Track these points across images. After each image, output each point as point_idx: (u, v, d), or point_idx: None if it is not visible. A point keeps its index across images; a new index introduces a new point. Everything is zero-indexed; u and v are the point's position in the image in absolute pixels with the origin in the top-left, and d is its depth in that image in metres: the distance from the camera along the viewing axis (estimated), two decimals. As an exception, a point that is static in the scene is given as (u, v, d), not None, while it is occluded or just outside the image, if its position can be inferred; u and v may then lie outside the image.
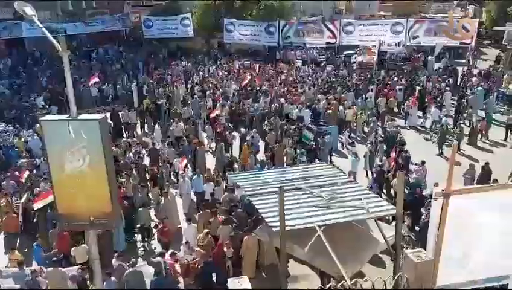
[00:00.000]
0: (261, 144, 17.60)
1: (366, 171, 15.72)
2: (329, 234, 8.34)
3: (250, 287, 8.69)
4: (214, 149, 17.78)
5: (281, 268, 8.38)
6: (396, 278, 7.04)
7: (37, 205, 11.53)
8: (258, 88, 23.71)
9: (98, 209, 6.56)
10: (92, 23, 35.63)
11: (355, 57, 30.54)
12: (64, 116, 6.32)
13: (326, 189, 9.46)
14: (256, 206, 8.93)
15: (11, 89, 24.39)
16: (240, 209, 11.73)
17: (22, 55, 31.98)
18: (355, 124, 19.86)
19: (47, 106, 21.04)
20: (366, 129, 19.42)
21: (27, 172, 14.20)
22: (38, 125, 17.45)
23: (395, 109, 22.31)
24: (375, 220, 8.97)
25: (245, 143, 16.59)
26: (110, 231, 10.73)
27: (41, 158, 14.98)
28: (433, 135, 18.95)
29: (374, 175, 14.60)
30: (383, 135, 17.63)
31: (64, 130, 6.17)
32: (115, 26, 37.74)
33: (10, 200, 12.90)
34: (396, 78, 25.02)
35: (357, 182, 10.58)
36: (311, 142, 16.79)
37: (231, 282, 8.73)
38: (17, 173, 14.44)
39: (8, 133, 17.94)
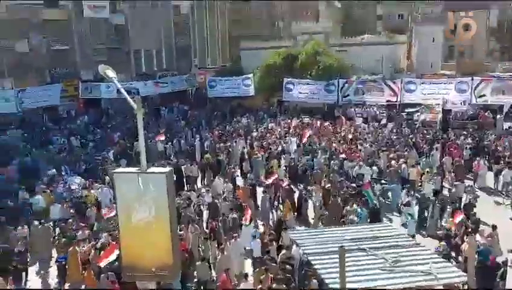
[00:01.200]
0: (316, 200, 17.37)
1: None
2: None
3: None
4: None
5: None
6: None
7: (102, 264, 11.90)
8: (317, 145, 23.75)
9: (160, 260, 6.72)
10: (162, 84, 38.17)
11: (418, 115, 29.94)
12: (134, 169, 6.70)
13: (390, 251, 9.06)
14: (316, 266, 8.70)
15: (86, 144, 26.29)
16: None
17: (98, 113, 34.66)
18: (419, 184, 19.09)
19: (117, 159, 22.39)
20: (431, 188, 18.56)
21: (96, 223, 14.90)
22: (107, 177, 18.60)
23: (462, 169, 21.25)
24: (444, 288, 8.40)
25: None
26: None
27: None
28: (505, 197, 17.76)
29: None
30: (447, 196, 16.80)
31: (133, 182, 6.53)
32: (183, 86, 40.21)
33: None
34: (462, 137, 24.07)
35: (423, 245, 10.02)
36: (374, 202, 16.30)
37: None
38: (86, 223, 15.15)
39: (80, 186, 19.07)
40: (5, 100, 28.70)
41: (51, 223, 15.82)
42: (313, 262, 8.93)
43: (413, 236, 13.64)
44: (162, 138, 24.80)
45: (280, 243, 13.12)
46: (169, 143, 25.55)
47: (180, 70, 43.88)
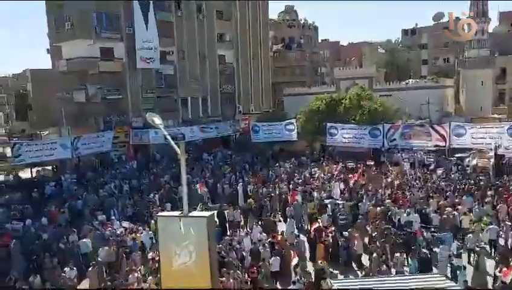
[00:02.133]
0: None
1: None
2: None
3: None
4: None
5: None
6: None
7: None
8: (362, 190, 23.28)
9: (200, 306, 6.70)
10: (207, 129, 39.31)
11: (469, 161, 28.80)
12: (176, 213, 6.88)
13: (440, 304, 8.57)
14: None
15: (135, 188, 27.16)
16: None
17: (146, 158, 35.96)
18: (471, 232, 18.07)
19: (163, 203, 22.90)
20: (486, 238, 17.52)
21: (142, 267, 15.10)
22: (153, 221, 19.02)
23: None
24: None
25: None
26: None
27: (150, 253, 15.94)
28: None
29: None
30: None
31: (175, 225, 6.68)
32: (227, 131, 41.22)
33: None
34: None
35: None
36: (425, 251, 15.55)
37: None
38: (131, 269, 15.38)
39: (127, 230, 19.54)
40: (62, 147, 30.41)
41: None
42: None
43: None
44: (204, 189, 25.07)
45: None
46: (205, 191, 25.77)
47: (224, 116, 45.20)
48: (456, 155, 30.50)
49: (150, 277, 13.99)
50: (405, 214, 19.12)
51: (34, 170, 31.93)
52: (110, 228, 19.68)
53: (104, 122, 37.72)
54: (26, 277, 14.88)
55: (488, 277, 14.39)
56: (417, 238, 16.76)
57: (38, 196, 25.54)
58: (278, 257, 15.50)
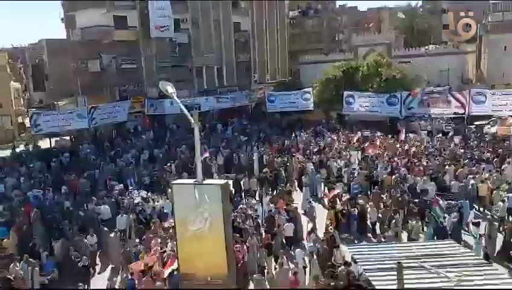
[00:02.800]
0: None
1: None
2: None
3: None
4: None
5: None
6: None
7: (167, 272, 12.33)
8: (377, 160, 23.11)
9: (215, 270, 6.87)
10: (223, 99, 39.19)
11: (489, 128, 28.23)
12: (191, 181, 6.94)
13: (454, 270, 8.57)
14: (373, 283, 8.44)
15: (151, 158, 27.48)
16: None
17: (162, 129, 36.20)
18: (489, 201, 17.90)
19: (179, 173, 23.16)
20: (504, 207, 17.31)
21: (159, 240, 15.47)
22: (170, 190, 19.30)
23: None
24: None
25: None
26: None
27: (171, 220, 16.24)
28: None
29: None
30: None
31: (190, 193, 6.76)
32: (243, 101, 41.00)
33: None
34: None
35: (491, 265, 9.37)
36: (440, 220, 15.48)
37: None
38: (150, 235, 15.73)
39: (144, 199, 19.89)
40: (79, 117, 30.80)
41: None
42: (370, 279, 8.66)
43: (486, 257, 12.83)
44: (206, 155, 24.98)
45: (332, 261, 12.81)
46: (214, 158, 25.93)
47: (240, 85, 44.85)
48: (476, 123, 29.94)
49: (169, 243, 14.36)
50: (421, 182, 18.98)
51: (53, 140, 32.51)
52: (128, 197, 20.10)
53: (120, 93, 37.90)
54: (48, 243, 15.41)
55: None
56: (432, 207, 16.67)
57: (57, 166, 26.07)
58: (291, 224, 15.72)
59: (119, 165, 25.39)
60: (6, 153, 30.91)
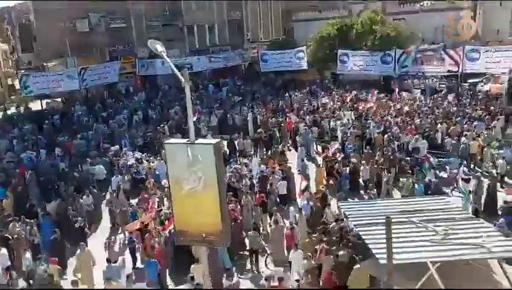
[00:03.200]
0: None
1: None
2: (444, 272, 7.77)
3: None
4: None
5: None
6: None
7: (167, 232, 12.57)
8: (371, 118, 23.19)
9: (209, 227, 7.02)
10: (215, 59, 38.57)
11: (482, 86, 28.24)
12: (184, 140, 6.98)
13: (442, 224, 8.85)
14: (363, 237, 8.70)
15: (144, 119, 27.38)
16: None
17: (154, 90, 35.85)
18: (479, 158, 18.17)
19: (172, 134, 23.17)
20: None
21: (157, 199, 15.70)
22: (163, 151, 19.35)
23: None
24: (499, 262, 8.11)
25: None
26: (216, 250, 11.45)
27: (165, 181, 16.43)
28: None
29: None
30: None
31: (183, 152, 6.81)
32: (235, 61, 40.38)
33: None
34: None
35: (478, 219, 9.66)
36: (430, 178, 15.74)
37: None
38: (146, 195, 15.93)
39: (140, 159, 19.96)
40: (69, 78, 30.37)
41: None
42: (361, 233, 8.93)
43: (476, 213, 13.17)
44: (196, 117, 24.79)
45: (323, 219, 13.11)
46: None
47: (233, 45, 44.06)
48: (469, 81, 29.90)
49: (166, 202, 14.62)
50: (413, 140, 19.19)
51: (44, 102, 32.20)
52: (123, 158, 20.19)
53: (110, 53, 37.21)
54: (44, 204, 15.57)
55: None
56: (423, 164, 16.94)
57: (49, 127, 25.95)
58: (285, 182, 15.98)
59: (111, 127, 25.33)
60: (-4, 116, 30.67)
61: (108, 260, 11.51)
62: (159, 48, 7.32)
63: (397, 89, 29.01)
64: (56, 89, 30.70)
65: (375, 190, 15.46)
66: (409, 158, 18.18)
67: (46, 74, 31.73)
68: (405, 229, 8.70)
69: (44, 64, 37.90)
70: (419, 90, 29.64)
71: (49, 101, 32.95)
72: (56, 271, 11.62)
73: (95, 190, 16.99)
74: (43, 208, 15.10)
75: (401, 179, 16.37)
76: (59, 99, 34.09)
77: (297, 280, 10.09)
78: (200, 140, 7.04)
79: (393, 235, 7.56)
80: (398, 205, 10.23)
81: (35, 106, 32.35)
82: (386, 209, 9.87)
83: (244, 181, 16.28)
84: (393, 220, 8.61)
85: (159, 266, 11.46)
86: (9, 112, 31.75)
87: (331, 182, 16.37)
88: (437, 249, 7.89)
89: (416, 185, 15.36)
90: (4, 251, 12.31)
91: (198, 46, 42.11)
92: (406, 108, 25.03)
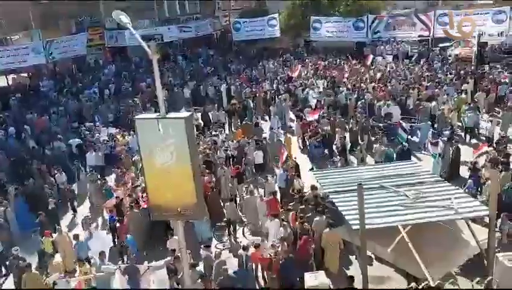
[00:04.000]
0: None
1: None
2: (415, 235, 8.05)
3: (327, 281, 8.76)
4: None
5: (362, 268, 8.25)
6: (487, 281, 6.60)
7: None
8: (343, 85, 23.30)
9: (184, 201, 6.99)
10: (186, 29, 37.54)
11: (452, 50, 28.61)
12: (154, 115, 6.86)
13: (412, 188, 9.10)
14: (337, 204, 8.88)
15: (114, 93, 26.75)
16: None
17: (125, 62, 34.88)
18: (449, 121, 18.60)
19: (145, 108, 22.78)
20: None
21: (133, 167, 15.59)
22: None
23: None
24: (467, 222, 8.44)
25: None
26: (191, 224, 11.58)
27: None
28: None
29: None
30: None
31: (154, 127, 6.69)
32: (207, 30, 39.44)
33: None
34: (500, 71, 22.99)
35: (446, 181, 9.97)
36: (404, 143, 16.07)
37: (308, 277, 8.86)
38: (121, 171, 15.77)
39: (112, 135, 19.62)
40: (35, 52, 29.20)
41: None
42: (334, 201, 9.10)
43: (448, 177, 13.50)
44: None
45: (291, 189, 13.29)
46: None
47: (204, 13, 42.99)
48: (440, 45, 30.22)
49: (141, 177, 14.49)
50: (385, 106, 19.44)
51: (10, 77, 31.00)
52: (97, 134, 19.82)
53: (76, 24, 35.84)
54: (17, 184, 15.25)
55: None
56: (398, 132, 17.21)
57: (16, 104, 25.10)
58: (260, 151, 16.06)
59: (82, 102, 24.70)
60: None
61: (75, 237, 11.50)
62: (124, 19, 7.06)
63: (371, 56, 29.09)
64: (22, 64, 29.50)
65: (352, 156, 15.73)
66: (381, 124, 18.49)
67: (9, 48, 30.37)
68: (377, 195, 8.90)
69: (8, 37, 36.28)
70: (392, 56, 29.79)
71: (15, 76, 31.75)
72: (50, 244, 11.52)
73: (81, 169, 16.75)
74: (16, 188, 14.79)
75: (374, 146, 16.65)
76: (25, 75, 32.86)
77: (272, 245, 10.28)
78: (171, 114, 6.93)
79: (365, 201, 7.78)
80: (370, 172, 10.42)
81: (2, 81, 31.11)
82: (358, 176, 10.05)
83: (219, 153, 16.29)
84: (365, 186, 8.88)
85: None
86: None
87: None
88: (407, 213, 8.12)
89: (387, 150, 15.64)
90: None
91: (169, 16, 40.93)
92: (379, 74, 25.21)
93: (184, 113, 7.17)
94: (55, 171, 15.92)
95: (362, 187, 7.37)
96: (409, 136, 17.73)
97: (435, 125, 18.43)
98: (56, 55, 30.49)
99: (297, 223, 11.22)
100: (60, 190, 15.32)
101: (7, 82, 30.39)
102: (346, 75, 25.47)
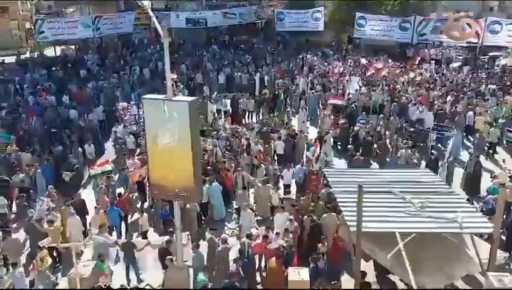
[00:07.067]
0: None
1: None
2: (419, 243, 7.88)
3: (308, 278, 8.76)
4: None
5: (355, 269, 8.18)
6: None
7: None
8: (379, 85, 22.80)
9: (182, 183, 7.23)
10: (230, 15, 37.67)
11: (499, 60, 27.33)
12: (161, 96, 7.08)
13: (421, 196, 8.90)
14: (340, 203, 8.84)
15: (155, 72, 27.36)
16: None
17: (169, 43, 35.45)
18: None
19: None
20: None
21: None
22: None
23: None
24: (471, 237, 8.20)
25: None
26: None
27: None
28: None
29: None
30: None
31: (159, 108, 6.92)
32: (250, 18, 39.35)
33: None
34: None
35: (458, 193, 9.68)
36: (433, 151, 15.60)
37: (291, 272, 8.89)
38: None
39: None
40: (83, 25, 30.32)
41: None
42: (338, 200, 9.06)
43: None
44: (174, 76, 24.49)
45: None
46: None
47: (250, 2, 42.92)
48: (490, 54, 28.88)
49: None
50: (417, 111, 18.91)
51: (59, 48, 32.39)
52: (129, 113, 20.35)
53: (125, 3, 36.82)
54: (48, 149, 16.04)
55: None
56: (427, 136, 16.73)
57: (62, 75, 26.25)
58: (281, 142, 16.05)
59: (123, 79, 25.44)
60: (12, 59, 31.04)
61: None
62: (145, 2, 7.30)
63: (418, 58, 28.11)
64: (71, 36, 30.72)
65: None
66: (412, 129, 18.02)
67: (60, 21, 31.69)
68: (383, 199, 8.77)
69: (63, 10, 37.90)
70: (434, 60, 28.77)
71: (63, 48, 33.13)
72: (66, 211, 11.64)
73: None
74: (46, 153, 15.55)
75: (400, 150, 16.25)
76: (73, 47, 34.24)
77: (277, 233, 10.33)
78: (178, 97, 7.13)
79: (369, 204, 7.71)
80: (383, 175, 10.26)
81: (50, 52, 32.55)
82: (370, 178, 9.92)
83: (243, 141, 16.41)
84: (373, 189, 8.79)
85: (122, 213, 11.93)
86: (23, 57, 32.11)
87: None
88: (408, 221, 7.98)
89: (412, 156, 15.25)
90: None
91: (216, 2, 41.19)
92: (418, 78, 24.46)
93: (189, 98, 7.35)
94: (85, 142, 16.57)
95: (362, 189, 7.29)
96: (439, 145, 17.19)
97: (469, 136, 17.78)
98: (103, 31, 31.54)
99: (305, 217, 11.19)
100: (86, 159, 15.95)
101: (55, 52, 31.76)
102: (382, 74, 24.82)
